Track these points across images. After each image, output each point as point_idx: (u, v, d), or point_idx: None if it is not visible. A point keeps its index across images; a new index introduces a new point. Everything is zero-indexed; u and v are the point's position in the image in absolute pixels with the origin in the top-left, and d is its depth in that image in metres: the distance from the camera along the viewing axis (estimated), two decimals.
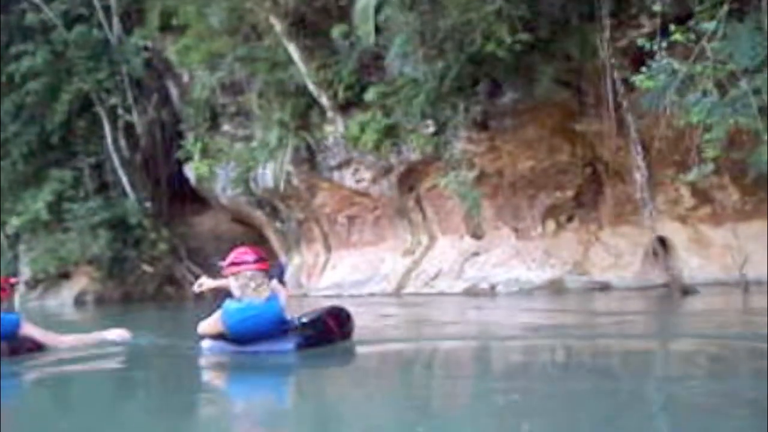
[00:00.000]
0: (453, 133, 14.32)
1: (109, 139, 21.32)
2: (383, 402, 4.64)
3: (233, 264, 6.46)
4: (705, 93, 8.84)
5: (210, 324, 6.53)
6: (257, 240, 19.60)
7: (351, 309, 7.12)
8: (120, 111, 21.20)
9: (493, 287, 14.65)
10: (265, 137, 17.69)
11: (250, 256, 6.48)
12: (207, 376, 6.37)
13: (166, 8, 19.16)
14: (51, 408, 5.15)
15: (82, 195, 21.49)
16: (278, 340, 6.39)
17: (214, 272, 7.58)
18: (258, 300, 6.33)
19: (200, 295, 8.37)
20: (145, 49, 20.75)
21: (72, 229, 21.12)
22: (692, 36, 9.11)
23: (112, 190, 21.78)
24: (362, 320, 7.84)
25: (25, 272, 21.70)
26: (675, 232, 14.00)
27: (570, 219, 15.05)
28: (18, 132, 21.28)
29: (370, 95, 15.18)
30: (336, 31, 15.28)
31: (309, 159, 17.13)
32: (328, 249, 18.57)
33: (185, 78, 20.38)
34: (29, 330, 7.30)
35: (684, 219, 13.98)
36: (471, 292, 14.70)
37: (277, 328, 6.39)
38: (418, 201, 16.41)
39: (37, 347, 7.22)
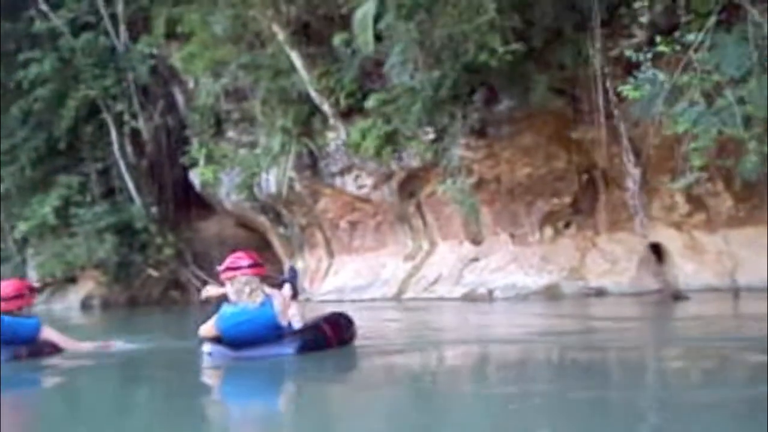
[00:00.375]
0: (451, 140, 14.48)
1: (115, 145, 21.49)
2: (384, 405, 4.72)
3: (228, 269, 6.59)
4: (692, 103, 9.00)
5: (207, 328, 6.69)
6: (261, 245, 19.78)
7: (353, 314, 7.26)
8: (126, 117, 21.31)
9: (490, 292, 14.79)
10: (269, 143, 17.89)
11: (245, 261, 6.59)
12: (207, 379, 6.48)
13: (171, 16, 19.38)
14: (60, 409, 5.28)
15: (89, 200, 21.64)
16: (276, 344, 6.48)
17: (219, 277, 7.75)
18: (252, 305, 6.46)
19: (206, 300, 8.51)
20: (151, 56, 20.88)
21: (79, 234, 21.27)
22: (678, 47, 9.29)
23: (119, 196, 21.94)
24: (364, 325, 7.95)
25: (33, 276, 21.91)
26: (670, 238, 14.14)
27: (567, 225, 15.21)
28: (26, 138, 21.48)
29: (370, 102, 15.35)
30: (337, 39, 15.45)
31: (311, 165, 17.31)
32: (330, 254, 18.73)
33: (191, 84, 20.56)
34: (48, 334, 7.45)
35: (679, 225, 14.12)
36: (469, 298, 14.84)
37: (271, 333, 6.48)
38: (419, 207, 16.56)
39: (56, 351, 7.35)
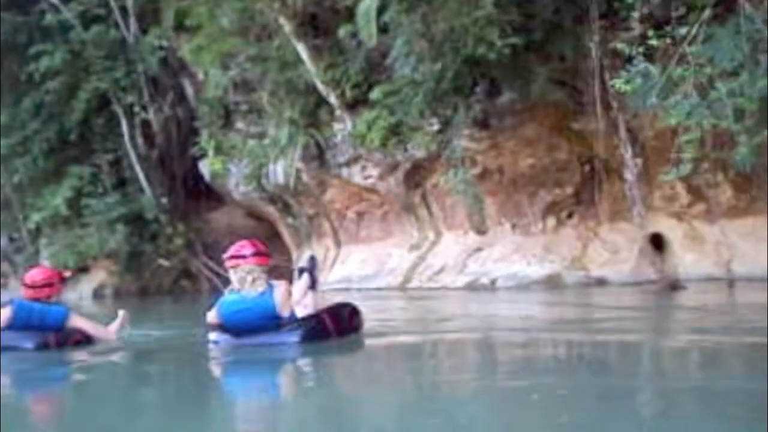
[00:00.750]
0: (455, 132, 14.65)
1: (126, 137, 21.65)
2: (391, 392, 4.80)
3: (232, 257, 6.70)
4: (686, 95, 9.15)
5: (212, 314, 6.86)
6: (270, 235, 19.94)
7: (360, 303, 7.36)
8: (136, 109, 21.48)
9: (493, 282, 14.99)
10: (277, 135, 18.07)
11: (249, 250, 6.67)
12: (213, 366, 6.51)
13: (180, 8, 19.53)
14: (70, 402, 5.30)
15: (101, 191, 21.83)
16: (275, 333, 6.55)
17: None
18: (253, 293, 6.56)
19: (216, 289, 8.43)
20: (161, 48, 21.02)
21: (90, 224, 21.49)
22: (669, 40, 9.43)
23: (130, 186, 22.12)
24: (370, 313, 8.03)
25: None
26: (671, 228, 14.26)
27: (570, 215, 15.37)
28: (38, 130, 21.64)
29: (375, 94, 15.48)
30: (343, 31, 15.57)
31: (318, 156, 17.51)
32: (338, 244, 18.92)
33: (200, 76, 20.67)
34: (77, 322, 7.45)
35: (679, 216, 14.25)
36: (472, 287, 15.02)
37: (270, 322, 6.55)
38: (424, 197, 16.74)
39: (86, 339, 7.37)
